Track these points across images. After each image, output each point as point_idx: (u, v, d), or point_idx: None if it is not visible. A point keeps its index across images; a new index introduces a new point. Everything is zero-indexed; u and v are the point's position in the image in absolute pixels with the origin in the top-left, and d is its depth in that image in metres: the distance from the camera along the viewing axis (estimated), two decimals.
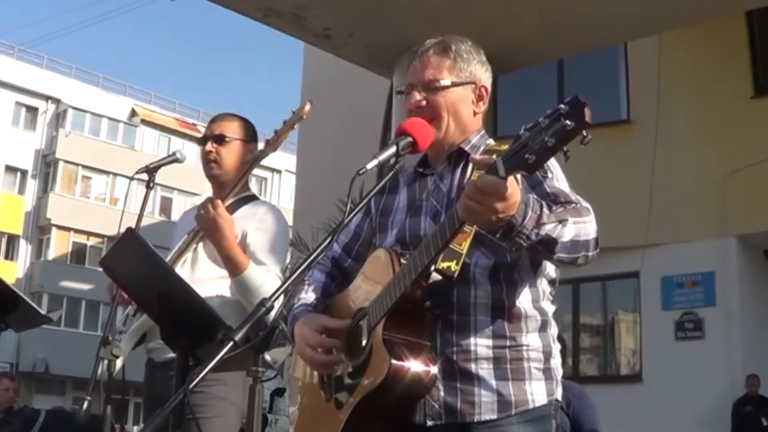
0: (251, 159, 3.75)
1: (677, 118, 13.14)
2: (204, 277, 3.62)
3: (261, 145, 3.77)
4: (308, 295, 2.68)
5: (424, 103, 2.55)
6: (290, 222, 15.98)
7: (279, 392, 8.41)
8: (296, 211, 17.55)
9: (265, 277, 3.45)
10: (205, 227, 3.50)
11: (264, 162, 3.84)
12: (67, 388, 37.34)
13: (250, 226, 3.60)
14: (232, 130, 3.80)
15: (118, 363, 3.64)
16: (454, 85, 2.56)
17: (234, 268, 3.46)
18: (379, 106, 11.06)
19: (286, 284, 2.19)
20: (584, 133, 1.86)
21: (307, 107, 3.40)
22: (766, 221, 12.28)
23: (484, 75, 2.63)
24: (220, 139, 3.76)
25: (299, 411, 2.73)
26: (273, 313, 2.12)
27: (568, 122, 1.86)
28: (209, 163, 3.78)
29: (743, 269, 12.86)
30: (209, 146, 3.77)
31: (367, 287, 2.50)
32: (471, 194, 2.03)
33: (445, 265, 2.24)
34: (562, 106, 1.87)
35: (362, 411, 2.32)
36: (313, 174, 16.66)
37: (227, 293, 3.60)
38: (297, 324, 2.56)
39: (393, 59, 8.67)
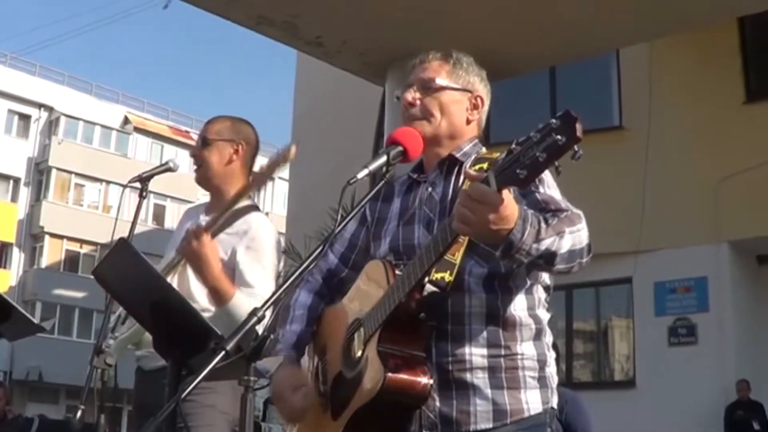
0: (234, 193, 3.68)
1: (669, 124, 13.18)
2: (193, 291, 3.60)
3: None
4: (292, 328, 2.69)
5: (417, 102, 2.57)
6: (283, 230, 16.00)
7: (272, 401, 8.41)
8: (289, 219, 17.54)
9: (252, 305, 3.43)
10: (189, 258, 3.45)
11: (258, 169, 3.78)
12: (61, 396, 37.23)
13: (241, 244, 3.55)
14: (214, 131, 3.79)
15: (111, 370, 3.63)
16: (449, 87, 2.58)
17: (219, 298, 3.41)
18: (372, 114, 11.10)
19: (278, 294, 2.20)
20: (575, 148, 1.86)
21: (293, 150, 3.28)
22: (758, 227, 12.33)
23: (481, 87, 2.65)
24: (204, 143, 3.77)
25: None
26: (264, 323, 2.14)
27: (559, 137, 1.85)
28: (196, 168, 3.78)
29: (736, 275, 12.90)
30: (192, 150, 3.79)
31: (361, 298, 2.50)
32: (464, 202, 2.03)
33: (438, 275, 2.25)
34: (554, 120, 1.87)
35: (358, 422, 2.33)
36: (306, 182, 16.66)
37: (213, 307, 3.57)
38: (277, 371, 2.59)
39: (385, 67, 8.70)
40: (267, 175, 3.41)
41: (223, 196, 3.71)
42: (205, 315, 3.47)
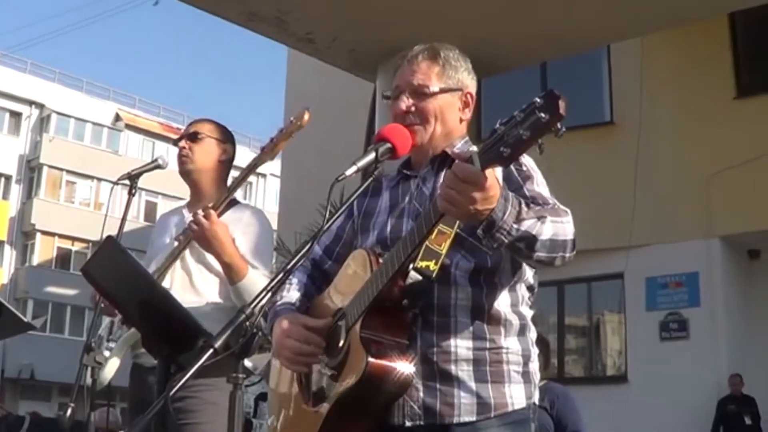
0: (246, 166, 3.74)
1: (660, 120, 13.20)
2: (197, 283, 3.64)
3: (247, 151, 3.77)
4: (291, 294, 2.67)
5: (413, 108, 2.56)
6: (274, 226, 15.99)
7: (263, 397, 8.42)
8: (280, 216, 17.52)
9: (263, 282, 3.46)
10: (202, 239, 3.49)
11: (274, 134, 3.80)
12: (53, 394, 37.16)
13: (237, 230, 3.60)
14: (206, 129, 3.86)
15: (109, 371, 3.64)
16: (442, 91, 2.57)
17: (235, 275, 3.47)
18: (363, 111, 11.10)
19: (266, 291, 2.20)
20: (558, 125, 1.89)
21: (306, 116, 3.36)
22: (749, 221, 12.37)
23: (470, 82, 2.64)
24: (193, 136, 3.82)
25: (279, 413, 2.74)
26: (253, 319, 2.14)
27: (542, 115, 1.89)
28: (182, 159, 3.81)
29: (727, 269, 12.93)
30: (182, 143, 3.82)
31: (345, 288, 2.51)
32: (449, 181, 2.06)
33: (423, 264, 2.24)
34: (537, 99, 1.90)
35: (340, 410, 2.33)
36: (298, 178, 16.65)
37: (220, 299, 3.61)
38: (278, 320, 2.54)
39: (376, 63, 8.70)
40: (280, 143, 3.47)
41: (202, 193, 3.80)
42: (211, 307, 3.52)
